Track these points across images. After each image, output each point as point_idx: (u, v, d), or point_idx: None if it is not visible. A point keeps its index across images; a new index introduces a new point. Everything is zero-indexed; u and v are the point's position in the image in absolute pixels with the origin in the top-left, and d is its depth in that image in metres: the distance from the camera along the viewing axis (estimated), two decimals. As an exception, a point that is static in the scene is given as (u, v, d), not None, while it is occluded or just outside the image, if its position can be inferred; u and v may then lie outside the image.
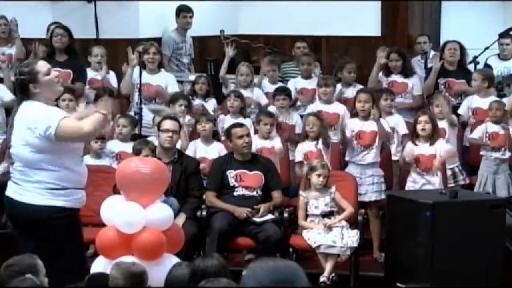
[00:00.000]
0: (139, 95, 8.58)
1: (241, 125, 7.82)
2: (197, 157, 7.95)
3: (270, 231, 7.23)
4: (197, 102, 8.94)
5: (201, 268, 4.48)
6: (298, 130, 8.56)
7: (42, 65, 5.55)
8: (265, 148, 8.06)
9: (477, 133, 8.35)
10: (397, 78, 9.15)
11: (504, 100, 8.71)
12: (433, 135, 7.79)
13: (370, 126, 7.96)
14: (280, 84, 9.31)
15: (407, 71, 9.17)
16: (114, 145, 8.11)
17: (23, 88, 5.52)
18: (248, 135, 7.68)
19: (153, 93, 8.87)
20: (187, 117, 8.50)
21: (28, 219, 5.49)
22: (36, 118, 5.39)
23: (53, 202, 5.46)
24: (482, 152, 8.30)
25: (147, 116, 8.62)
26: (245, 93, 8.93)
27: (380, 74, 9.18)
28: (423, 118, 7.82)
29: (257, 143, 8.01)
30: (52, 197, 5.45)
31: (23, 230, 5.57)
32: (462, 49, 9.27)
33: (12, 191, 5.58)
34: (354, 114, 8.09)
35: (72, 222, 5.56)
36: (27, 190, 5.49)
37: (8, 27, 9.66)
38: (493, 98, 8.68)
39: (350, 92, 8.96)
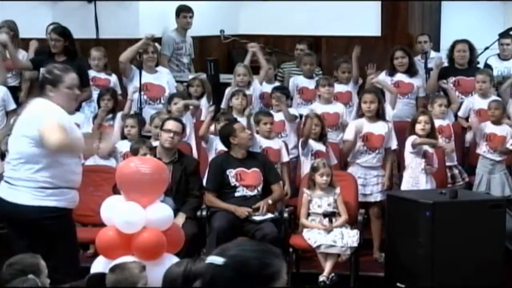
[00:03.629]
0: (139, 95, 8.57)
1: (236, 120, 7.91)
2: (217, 150, 7.99)
3: (267, 229, 7.23)
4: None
5: (193, 271, 4.46)
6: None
7: (70, 78, 5.63)
8: (270, 149, 8.11)
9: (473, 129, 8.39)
10: (403, 78, 9.07)
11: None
12: (430, 135, 7.79)
13: (378, 128, 7.95)
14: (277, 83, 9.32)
15: (412, 69, 9.14)
16: (123, 145, 8.13)
17: (42, 85, 5.63)
18: (246, 129, 7.76)
19: (157, 92, 8.86)
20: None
21: (19, 219, 5.52)
22: (38, 115, 5.45)
23: (44, 203, 5.48)
24: (478, 151, 8.31)
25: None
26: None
27: (384, 74, 9.13)
28: (423, 118, 7.81)
29: (263, 143, 8.09)
30: (43, 196, 5.48)
31: (15, 229, 5.59)
32: (471, 47, 9.25)
33: (3, 191, 5.60)
34: (360, 115, 8.06)
35: (64, 222, 5.58)
36: (18, 190, 5.51)
37: (11, 34, 9.48)
38: (494, 98, 8.68)
39: (343, 89, 9.00)
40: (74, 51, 8.91)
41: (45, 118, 5.44)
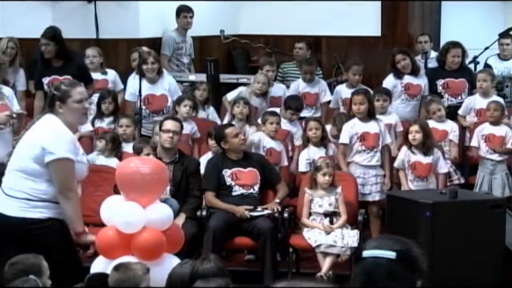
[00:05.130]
0: (140, 107, 8.52)
1: (231, 125, 7.91)
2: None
3: (261, 223, 7.29)
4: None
5: (200, 271, 4.47)
6: (297, 136, 8.57)
7: (77, 92, 5.59)
8: (274, 150, 8.12)
9: (475, 141, 8.35)
10: (411, 79, 9.01)
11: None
12: (425, 144, 7.77)
13: (373, 127, 7.94)
14: (292, 93, 9.20)
15: (416, 68, 9.11)
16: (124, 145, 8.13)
17: (51, 102, 5.60)
18: (241, 133, 7.75)
19: (158, 104, 8.77)
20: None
21: (5, 230, 5.45)
22: (52, 142, 5.44)
23: (30, 214, 5.44)
24: (479, 152, 8.31)
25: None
26: (257, 101, 8.88)
27: (392, 77, 9.07)
28: (413, 128, 7.80)
29: (267, 143, 8.09)
30: (29, 208, 5.44)
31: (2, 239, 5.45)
32: (463, 50, 9.23)
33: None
34: (351, 115, 8.05)
35: (54, 233, 5.49)
36: (4, 199, 5.47)
37: (15, 51, 9.44)
38: (495, 98, 8.67)
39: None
40: (68, 53, 8.73)
41: (58, 148, 5.42)
